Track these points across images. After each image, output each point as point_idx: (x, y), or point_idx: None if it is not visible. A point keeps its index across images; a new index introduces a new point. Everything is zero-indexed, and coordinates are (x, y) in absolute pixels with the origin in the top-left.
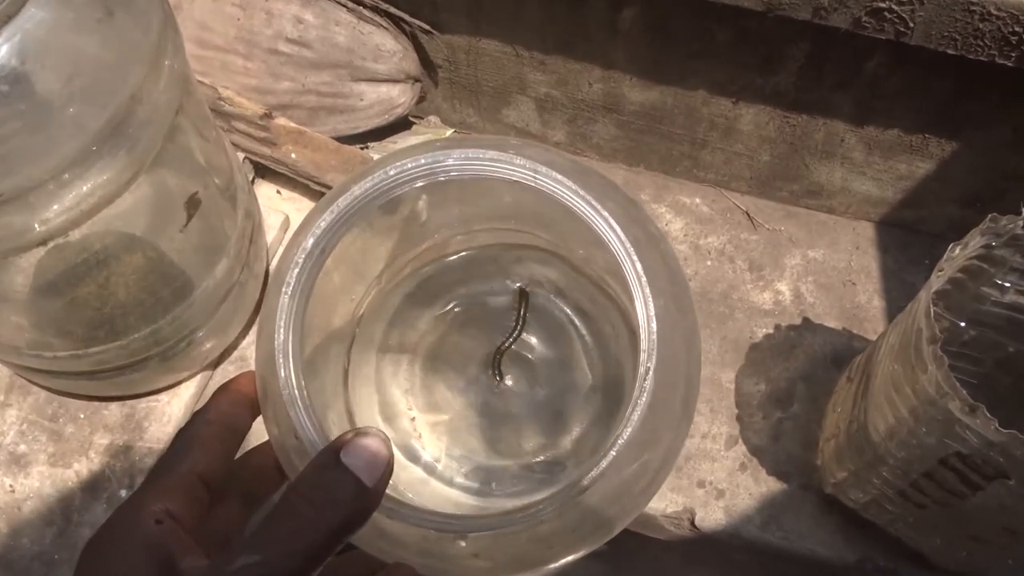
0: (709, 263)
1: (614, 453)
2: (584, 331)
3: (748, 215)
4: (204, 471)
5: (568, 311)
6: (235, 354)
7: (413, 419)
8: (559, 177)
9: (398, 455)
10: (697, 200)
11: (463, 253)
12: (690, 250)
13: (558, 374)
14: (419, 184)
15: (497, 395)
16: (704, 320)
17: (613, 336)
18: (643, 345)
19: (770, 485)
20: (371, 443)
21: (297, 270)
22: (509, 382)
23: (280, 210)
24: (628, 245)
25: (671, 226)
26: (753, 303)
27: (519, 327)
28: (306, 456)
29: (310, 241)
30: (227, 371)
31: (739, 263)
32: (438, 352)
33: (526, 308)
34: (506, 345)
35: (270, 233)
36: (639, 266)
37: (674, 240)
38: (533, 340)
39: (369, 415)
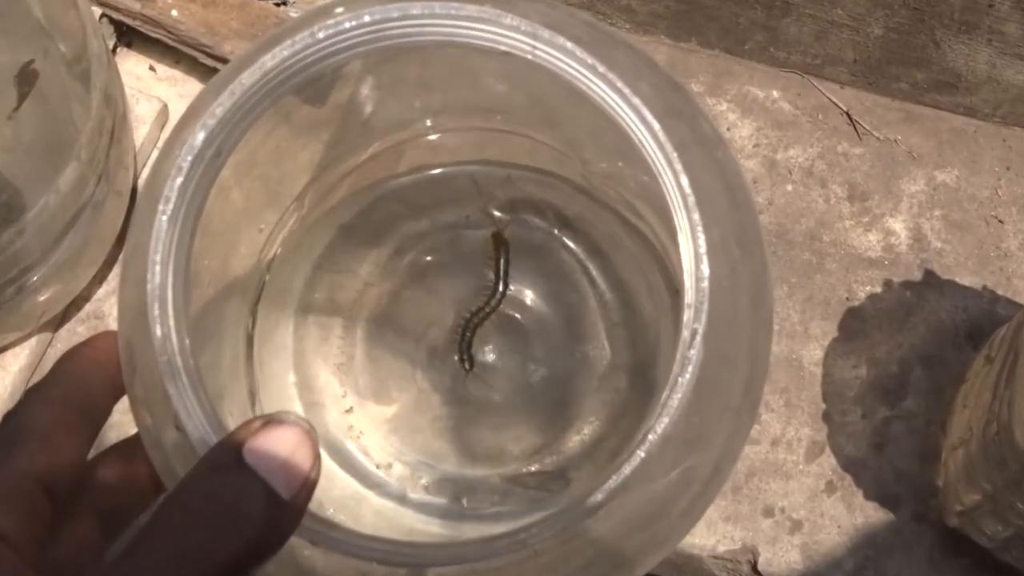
0: (789, 187)
1: (642, 455)
2: (602, 283)
3: (849, 117)
4: (44, 474)
5: (579, 253)
6: (87, 308)
7: (350, 410)
8: (569, 46)
9: (327, 459)
10: (774, 94)
11: (426, 167)
12: (762, 168)
13: (562, 345)
14: (361, 55)
15: (473, 376)
16: (780, 271)
17: (645, 292)
18: (688, 298)
19: (869, 514)
20: (289, 436)
21: (180, 180)
22: (490, 356)
23: (155, 95)
24: (669, 148)
25: (735, 131)
26: (853, 248)
27: (499, 290)
28: (192, 455)
29: (200, 137)
30: (76, 333)
31: (834, 189)
32: (388, 314)
33: (506, 262)
34: (477, 317)
35: (140, 128)
36: (684, 180)
37: (739, 152)
38: (527, 295)
39: (283, 401)
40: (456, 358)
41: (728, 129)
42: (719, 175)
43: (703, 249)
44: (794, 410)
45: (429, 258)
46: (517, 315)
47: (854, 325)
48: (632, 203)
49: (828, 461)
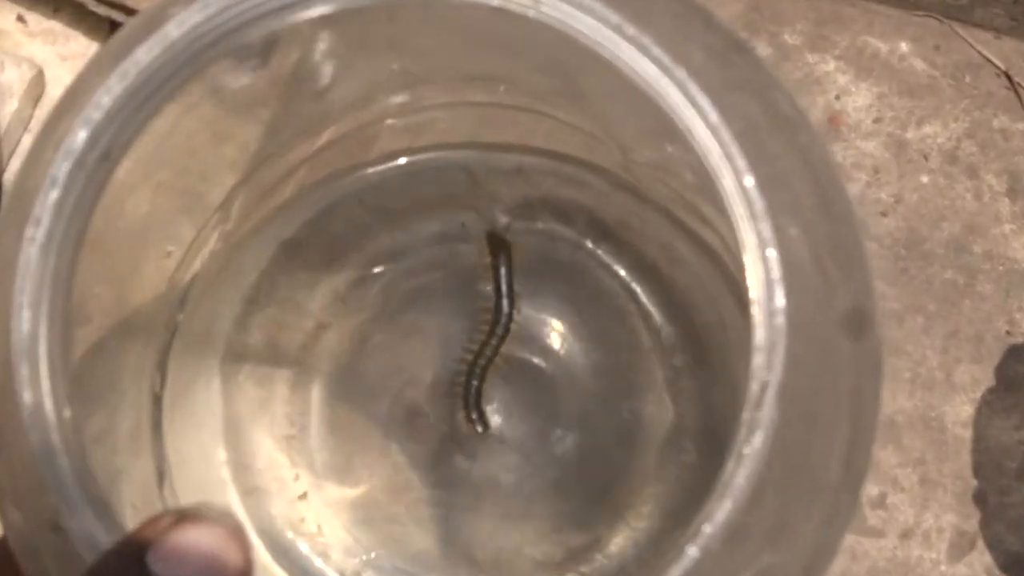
0: (925, 179)
1: (694, 554)
2: (656, 314)
3: (1009, 79)
4: None
5: (622, 273)
6: None
7: (303, 496)
8: (587, 1)
9: (271, 564)
10: (903, 47)
11: (403, 156)
12: (886, 151)
13: (603, 402)
14: (314, 7)
15: (473, 447)
16: (911, 296)
17: (717, 325)
18: (758, 339)
19: None
20: (208, 538)
21: (55, 195)
22: (496, 418)
23: (26, 56)
24: (727, 136)
25: (847, 100)
26: (1016, 263)
27: (504, 311)
28: (77, 561)
29: (80, 136)
30: None
31: (988, 180)
32: (352, 365)
33: (508, 271)
34: (485, 355)
35: (6, 104)
36: (749, 180)
37: (853, 130)
38: (551, 332)
39: (208, 487)
40: (462, 416)
41: (837, 97)
42: (802, 170)
43: (776, 274)
44: (933, 489)
45: (408, 285)
46: (537, 360)
47: (1017, 370)
48: (692, 203)
49: (981, 559)
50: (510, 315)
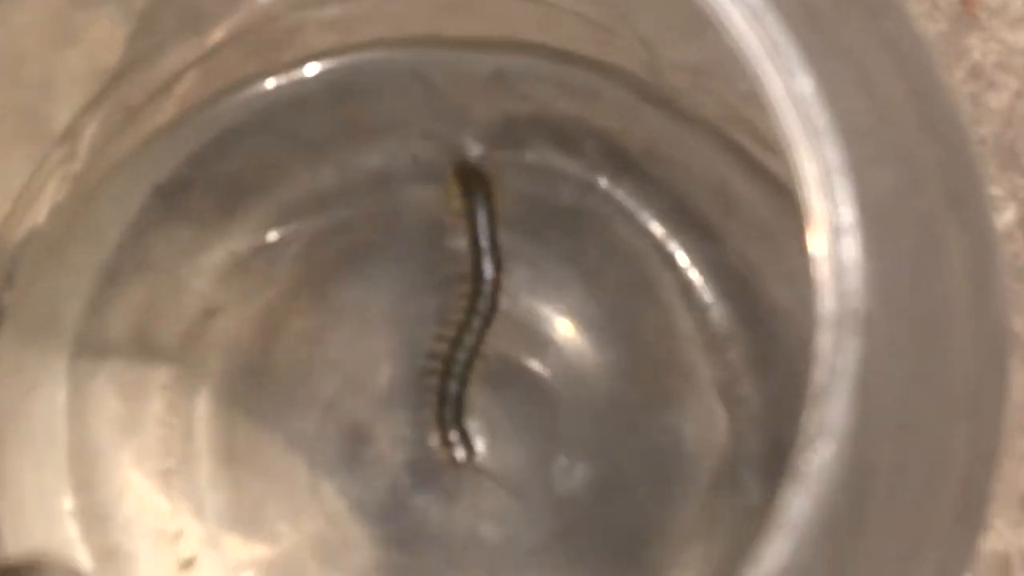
0: None
1: None
2: (705, 288)
3: None
4: None
5: (653, 226)
6: None
7: (190, 562)
8: None
9: None
10: None
11: (329, 58)
12: None
13: (627, 418)
14: None
15: (447, 485)
16: None
17: (796, 305)
18: (823, 309)
19: None
20: None
21: None
22: (479, 447)
23: None
24: (771, 17)
25: None
26: None
27: (484, 278)
28: None
29: None
30: None
31: None
32: (259, 365)
33: (490, 224)
34: (465, 346)
35: None
36: (803, 81)
37: (995, 15)
38: (551, 317)
39: (47, 545)
40: (433, 438)
41: None
42: (889, 68)
43: (847, 218)
44: None
45: (340, 247)
46: (532, 359)
47: None
48: (752, 120)
49: None
50: (496, 282)
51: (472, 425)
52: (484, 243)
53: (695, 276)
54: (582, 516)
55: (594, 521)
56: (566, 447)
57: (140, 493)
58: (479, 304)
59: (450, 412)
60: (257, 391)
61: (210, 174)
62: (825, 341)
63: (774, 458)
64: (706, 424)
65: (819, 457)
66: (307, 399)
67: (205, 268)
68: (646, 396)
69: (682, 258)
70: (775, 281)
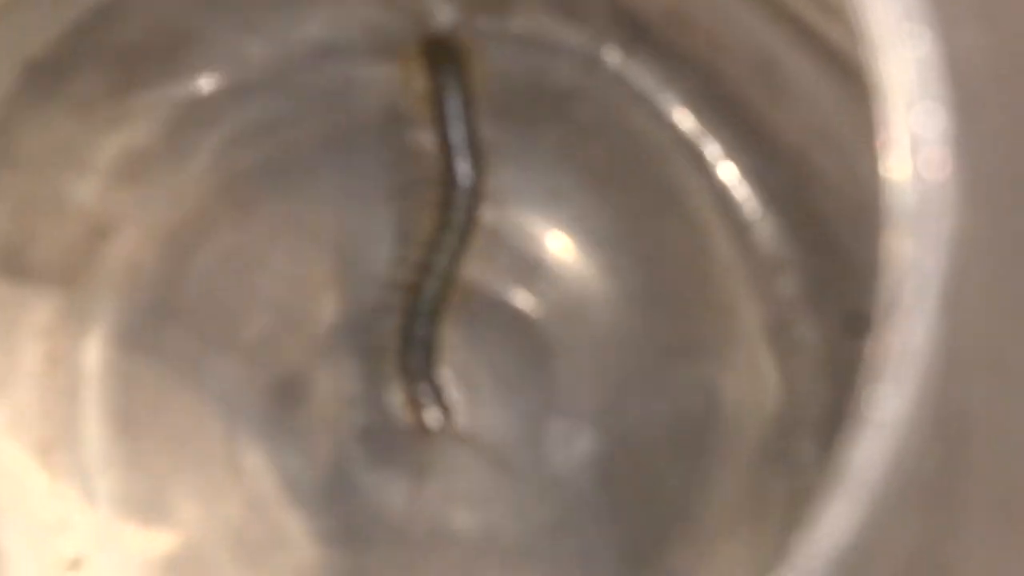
0: None
1: None
2: (749, 200)
3: None
4: None
5: (679, 119)
6: None
7: (76, 563)
8: None
9: None
10: None
11: None
12: None
13: (646, 372)
14: None
15: (413, 458)
16: None
17: (872, 217)
18: (897, 204)
19: None
20: None
21: None
22: (454, 408)
23: None
24: None
25: None
26: None
27: (456, 197)
28: None
29: None
30: None
31: None
32: (165, 300)
33: (466, 111)
34: (429, 282)
35: None
36: None
37: None
38: (546, 231)
39: None
40: (399, 396)
41: None
42: None
43: (932, 89)
44: None
45: (269, 145)
46: (521, 294)
47: None
48: None
49: None
50: (474, 189)
51: (444, 379)
52: (457, 137)
53: (734, 181)
54: (584, 502)
55: (600, 509)
56: (565, 410)
57: (12, 472)
58: (452, 218)
59: (416, 361)
60: (162, 335)
61: (99, 46)
62: (902, 247)
63: (839, 423)
64: (750, 379)
65: (894, 398)
66: (226, 345)
67: (93, 171)
68: (670, 342)
69: (716, 157)
70: (838, 186)
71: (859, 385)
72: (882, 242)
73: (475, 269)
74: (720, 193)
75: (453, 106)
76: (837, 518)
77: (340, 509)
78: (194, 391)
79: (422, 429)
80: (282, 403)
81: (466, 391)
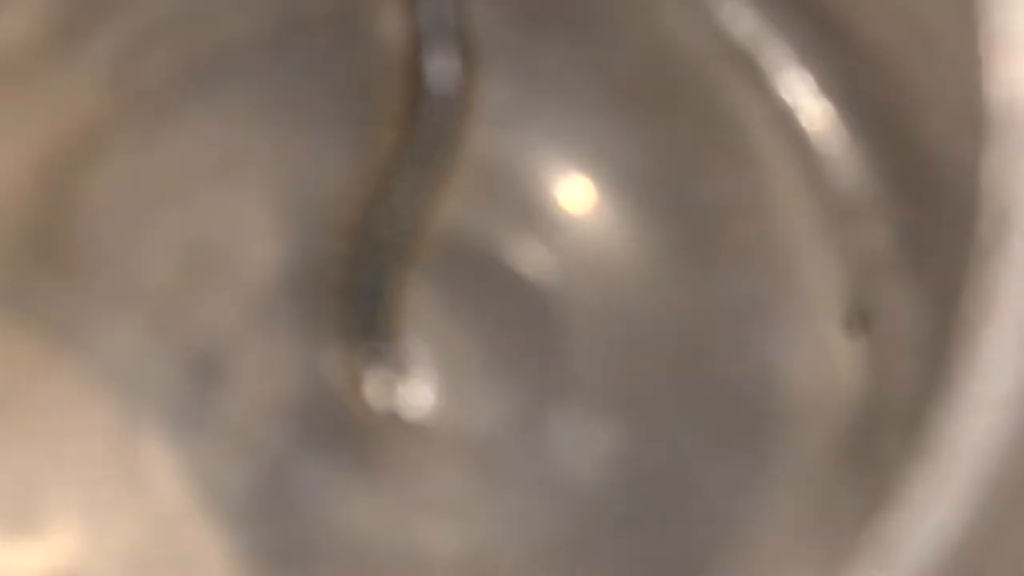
0: None
1: None
2: (819, 120)
3: None
4: None
5: (722, 7)
6: None
7: None
8: None
9: None
10: None
11: None
12: None
13: (681, 349)
14: None
15: (359, 457)
16: None
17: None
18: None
19: None
20: None
21: None
22: (424, 388)
23: None
24: None
25: None
26: None
27: (427, 107)
28: None
29: None
30: None
31: None
32: (51, 238)
33: (447, 9)
34: (385, 223)
35: None
36: None
37: None
38: (554, 162)
39: None
40: (348, 374)
41: None
42: None
43: None
44: None
45: (182, 40)
46: (517, 245)
47: None
48: None
49: None
50: (454, 96)
51: (410, 351)
52: (429, 18)
53: (802, 100)
54: (600, 515)
55: (621, 525)
56: (576, 395)
57: None
58: (423, 138)
59: (362, 322)
60: (36, 292)
61: None
62: (1008, 172)
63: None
64: (818, 358)
65: (1004, 363)
66: (122, 305)
67: None
68: (714, 311)
69: (778, 67)
70: (940, 104)
71: (959, 348)
72: (983, 167)
73: (459, 212)
74: (783, 116)
75: None
76: (941, 511)
77: (273, 522)
78: (79, 366)
79: (373, 417)
80: (196, 382)
81: (447, 367)
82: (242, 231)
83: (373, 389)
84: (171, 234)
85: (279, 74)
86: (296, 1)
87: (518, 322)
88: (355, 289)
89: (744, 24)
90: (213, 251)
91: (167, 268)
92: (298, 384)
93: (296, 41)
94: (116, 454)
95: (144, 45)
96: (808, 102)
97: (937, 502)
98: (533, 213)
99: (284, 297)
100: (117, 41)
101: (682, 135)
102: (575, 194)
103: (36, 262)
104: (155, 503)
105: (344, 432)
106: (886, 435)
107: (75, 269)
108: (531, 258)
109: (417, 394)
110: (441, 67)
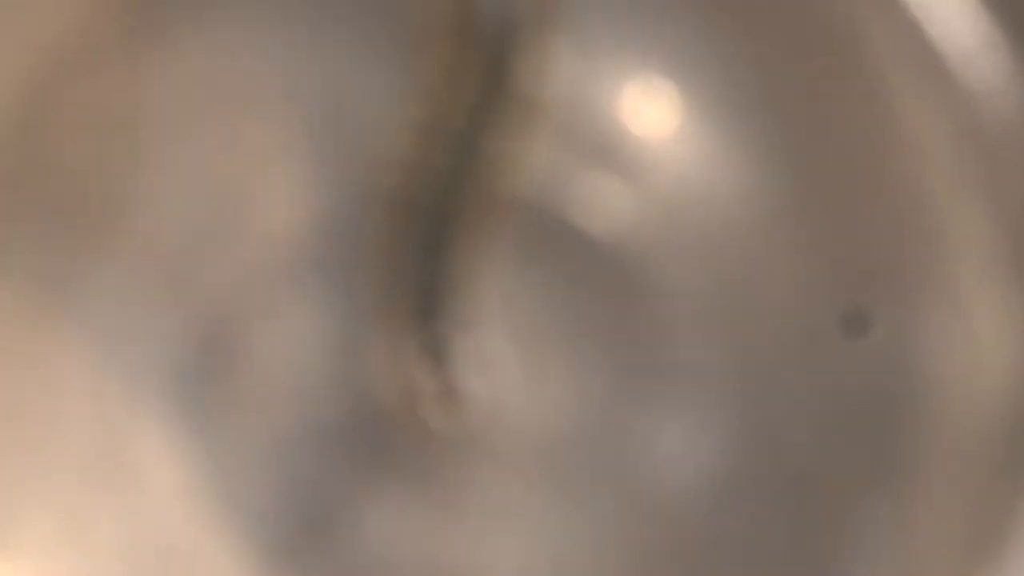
0: None
1: None
2: (974, 48)
3: None
4: None
5: None
6: None
7: None
8: None
9: None
10: None
11: None
12: None
13: (793, 327)
14: None
15: (411, 466)
16: None
17: None
18: None
19: None
20: None
21: None
22: (481, 382)
23: None
24: None
25: None
26: None
27: (487, 59)
28: None
29: None
30: None
31: None
32: (31, 187)
33: None
34: (431, 193)
35: None
36: None
37: None
38: (635, 111)
39: None
40: (391, 360)
41: None
42: None
43: None
44: None
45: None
46: (586, 206)
47: None
48: None
49: None
50: (512, 21)
51: (478, 342)
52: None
53: (946, 14)
54: (701, 537)
55: (726, 548)
56: (669, 389)
57: None
58: (478, 67)
59: (415, 305)
60: (13, 248)
61: None
62: None
63: None
64: (969, 342)
65: None
66: (109, 269)
67: None
68: (836, 282)
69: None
70: None
71: None
72: None
73: (523, 161)
74: (918, 34)
75: None
76: None
77: (296, 545)
78: (55, 347)
79: (418, 425)
80: (202, 371)
81: (507, 356)
82: (263, 177)
83: (430, 399)
84: (175, 175)
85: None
86: None
87: (596, 296)
88: (408, 259)
89: None
90: (226, 200)
91: (168, 218)
92: (332, 383)
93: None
94: (103, 464)
95: None
96: (955, 15)
97: None
98: (610, 158)
99: (314, 266)
100: None
101: (791, 60)
102: (662, 133)
103: (15, 199)
104: (150, 520)
105: (393, 449)
106: None
107: (52, 219)
108: (614, 214)
109: (484, 399)
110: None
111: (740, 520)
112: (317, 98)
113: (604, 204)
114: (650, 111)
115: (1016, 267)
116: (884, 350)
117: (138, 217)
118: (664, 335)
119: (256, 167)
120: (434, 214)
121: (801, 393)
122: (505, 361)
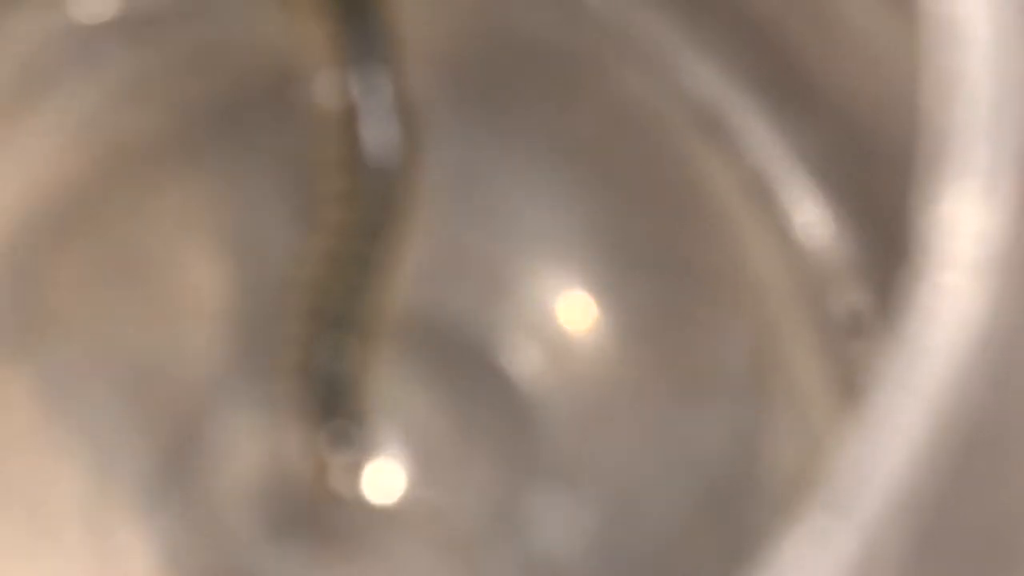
0: None
1: None
2: (798, 194)
3: None
4: None
5: (685, 82)
6: None
7: None
8: None
9: None
10: None
11: None
12: None
13: (649, 416)
14: None
15: (324, 546)
16: None
17: None
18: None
19: None
20: None
21: None
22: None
23: None
24: None
25: None
26: None
27: (368, 191)
28: None
29: None
30: None
31: None
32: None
33: (386, 62)
34: (339, 304)
35: None
36: None
37: None
38: (514, 243)
39: None
40: (302, 444)
41: None
42: None
43: None
44: None
45: (123, 128)
46: (475, 324)
47: None
48: None
49: None
50: (395, 169)
51: (378, 432)
52: (365, 92)
53: (771, 162)
54: None
55: None
56: (549, 473)
57: None
58: (367, 213)
59: (331, 408)
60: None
61: None
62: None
63: None
64: (800, 439)
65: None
66: (95, 376)
67: None
68: (686, 384)
69: (746, 130)
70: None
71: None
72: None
73: (422, 287)
74: (752, 179)
75: (360, 46)
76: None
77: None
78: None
79: (328, 495)
80: (167, 461)
81: (417, 448)
82: (200, 309)
83: (338, 473)
84: (133, 310)
85: (226, 148)
86: (238, 71)
87: (486, 398)
88: (311, 369)
89: (708, 85)
90: (171, 330)
91: (133, 344)
92: (261, 466)
93: (240, 115)
94: (88, 531)
95: (86, 120)
96: (778, 164)
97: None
98: (493, 284)
99: (244, 377)
100: (57, 118)
101: (646, 203)
102: (535, 263)
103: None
104: None
105: (310, 518)
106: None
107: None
108: (495, 330)
109: (386, 477)
110: (378, 138)
111: None
112: (233, 243)
113: (493, 328)
114: (532, 243)
115: (838, 370)
116: (729, 444)
117: (109, 340)
118: (539, 430)
119: (193, 301)
120: (334, 338)
121: (663, 477)
122: (406, 455)
